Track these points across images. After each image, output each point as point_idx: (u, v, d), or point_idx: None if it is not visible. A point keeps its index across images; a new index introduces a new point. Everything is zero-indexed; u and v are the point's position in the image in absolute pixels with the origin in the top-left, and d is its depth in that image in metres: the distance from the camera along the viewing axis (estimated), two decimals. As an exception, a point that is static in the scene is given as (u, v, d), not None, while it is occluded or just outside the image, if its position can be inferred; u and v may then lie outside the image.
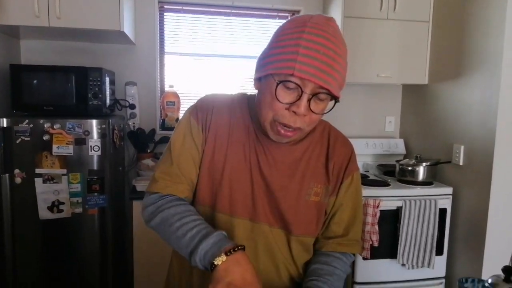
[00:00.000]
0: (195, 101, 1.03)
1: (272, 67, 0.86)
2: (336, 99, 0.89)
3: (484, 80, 2.18)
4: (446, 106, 2.51)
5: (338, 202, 1.03)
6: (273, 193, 0.97)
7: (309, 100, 0.85)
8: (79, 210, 2.19)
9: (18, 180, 2.11)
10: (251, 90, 1.39)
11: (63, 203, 2.17)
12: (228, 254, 0.77)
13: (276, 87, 0.85)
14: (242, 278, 0.76)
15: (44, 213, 2.16)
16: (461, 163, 2.34)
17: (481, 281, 0.94)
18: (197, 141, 0.98)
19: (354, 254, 1.07)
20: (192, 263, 0.83)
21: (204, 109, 1.00)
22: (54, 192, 2.15)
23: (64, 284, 2.28)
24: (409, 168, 2.48)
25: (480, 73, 2.21)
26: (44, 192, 2.14)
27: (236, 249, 0.79)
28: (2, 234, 2.17)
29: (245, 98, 1.04)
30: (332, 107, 0.91)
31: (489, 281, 0.88)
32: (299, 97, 0.85)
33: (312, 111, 0.87)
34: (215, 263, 0.77)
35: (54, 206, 2.16)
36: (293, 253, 1.02)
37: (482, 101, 2.19)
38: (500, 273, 0.87)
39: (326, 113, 0.92)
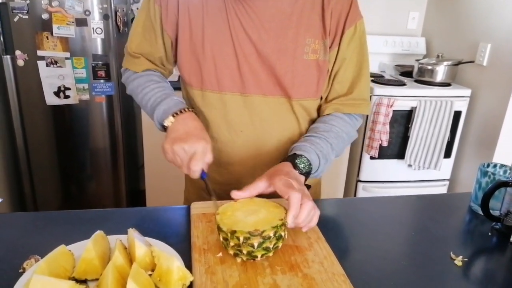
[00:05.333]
0: None
1: None
2: None
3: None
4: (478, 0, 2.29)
5: (340, 56, 0.90)
6: (266, 58, 0.88)
7: None
8: (86, 97, 2.15)
9: (20, 62, 2.03)
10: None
11: (69, 89, 2.12)
12: (175, 115, 0.84)
13: None
14: (185, 132, 0.81)
15: (50, 98, 2.12)
16: (484, 64, 2.21)
17: (503, 166, 0.90)
18: (156, 26, 0.92)
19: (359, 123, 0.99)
20: (159, 129, 0.91)
21: None
22: (59, 77, 2.08)
23: (78, 177, 2.34)
24: (429, 67, 2.35)
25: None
26: (48, 77, 2.07)
27: (183, 111, 0.85)
28: (11, 121, 2.16)
29: None
30: None
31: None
32: None
33: None
34: (165, 124, 0.85)
35: (61, 92, 2.11)
36: (299, 120, 0.95)
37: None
38: None
39: None
